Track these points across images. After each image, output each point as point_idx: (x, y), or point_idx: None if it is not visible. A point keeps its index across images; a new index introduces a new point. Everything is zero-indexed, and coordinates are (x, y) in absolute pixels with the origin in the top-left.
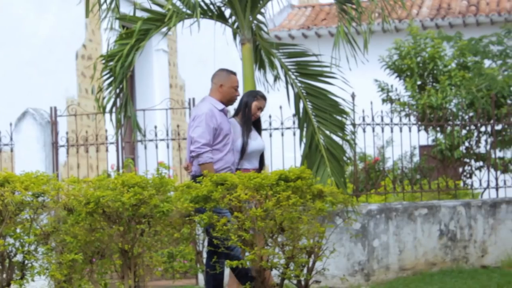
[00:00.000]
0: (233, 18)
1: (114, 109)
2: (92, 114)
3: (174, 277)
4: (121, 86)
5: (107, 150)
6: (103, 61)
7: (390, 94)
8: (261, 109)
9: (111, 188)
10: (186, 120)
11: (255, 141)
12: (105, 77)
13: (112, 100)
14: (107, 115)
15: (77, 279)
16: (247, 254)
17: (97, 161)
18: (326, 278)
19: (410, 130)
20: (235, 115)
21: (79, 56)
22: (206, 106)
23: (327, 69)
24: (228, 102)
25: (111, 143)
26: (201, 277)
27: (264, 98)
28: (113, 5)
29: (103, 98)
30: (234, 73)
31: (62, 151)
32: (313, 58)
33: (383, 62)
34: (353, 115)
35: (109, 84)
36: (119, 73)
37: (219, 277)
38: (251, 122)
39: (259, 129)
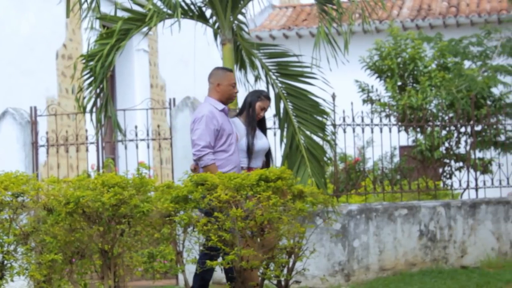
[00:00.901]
0: (214, 18)
1: (94, 109)
2: (72, 114)
3: (154, 277)
4: (101, 86)
5: (87, 150)
6: (84, 61)
7: (371, 94)
8: (264, 109)
9: (91, 188)
10: (167, 120)
11: (261, 141)
12: (85, 77)
13: (93, 100)
14: (88, 115)
15: (56, 279)
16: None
17: (77, 161)
18: (306, 278)
19: (390, 131)
20: (239, 114)
21: (60, 55)
22: (206, 107)
23: (308, 70)
24: (227, 100)
25: (91, 143)
26: (181, 277)
27: (268, 98)
28: (93, 5)
29: (83, 98)
30: (231, 70)
31: (42, 151)
32: (294, 59)
33: (364, 63)
34: (333, 116)
35: (90, 84)
36: (100, 73)
37: (207, 278)
38: (255, 122)
39: (263, 129)
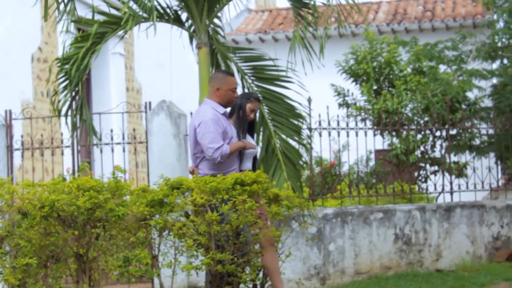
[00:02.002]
0: (190, 22)
1: (69, 112)
2: (47, 117)
3: (129, 281)
4: (76, 89)
5: (62, 154)
6: (59, 64)
7: (346, 98)
8: (254, 111)
9: (66, 192)
10: (143, 123)
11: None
12: (60, 80)
13: (68, 103)
14: (63, 118)
15: (31, 284)
16: (202, 258)
17: (53, 165)
18: (287, 281)
19: (366, 135)
20: (229, 117)
21: (35, 58)
22: (209, 110)
23: (284, 74)
24: (226, 104)
25: (67, 146)
26: (156, 281)
27: (258, 100)
28: (69, 8)
29: (59, 101)
30: (232, 75)
31: (17, 155)
32: (270, 62)
33: (340, 67)
34: (309, 119)
35: (65, 87)
36: (75, 76)
37: None
38: (246, 124)
39: (252, 132)
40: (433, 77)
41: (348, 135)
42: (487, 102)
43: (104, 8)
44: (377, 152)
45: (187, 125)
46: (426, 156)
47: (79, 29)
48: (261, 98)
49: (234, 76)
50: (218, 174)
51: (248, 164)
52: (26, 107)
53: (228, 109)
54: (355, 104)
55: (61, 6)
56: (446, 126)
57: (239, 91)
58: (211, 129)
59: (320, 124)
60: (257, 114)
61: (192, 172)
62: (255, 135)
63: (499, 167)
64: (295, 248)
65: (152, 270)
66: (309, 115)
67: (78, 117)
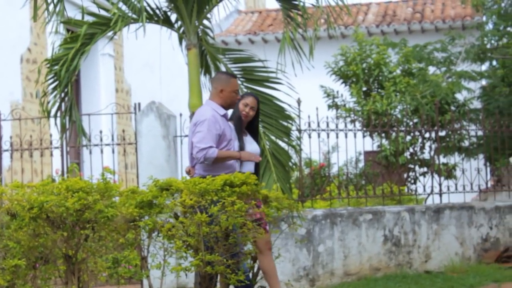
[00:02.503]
0: (179, 23)
1: (59, 114)
2: (36, 119)
3: (118, 282)
4: (66, 90)
5: (51, 155)
6: (48, 65)
7: (336, 100)
8: (249, 105)
9: (55, 193)
10: (132, 124)
11: (251, 145)
12: (50, 81)
13: (57, 104)
14: (52, 120)
15: (20, 285)
16: (191, 259)
17: (42, 166)
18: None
19: (355, 136)
20: (231, 119)
21: (24, 59)
22: (209, 111)
23: (273, 75)
24: (228, 106)
25: (56, 147)
26: (146, 283)
27: (250, 94)
28: (58, 9)
29: (48, 102)
30: (235, 76)
31: (6, 156)
32: (259, 64)
33: (329, 68)
34: (298, 121)
35: (54, 88)
36: (64, 77)
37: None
38: (241, 122)
39: (255, 134)
40: (422, 78)
41: (337, 137)
42: (476, 104)
43: (94, 9)
44: (367, 153)
45: (176, 127)
46: (415, 158)
47: (68, 30)
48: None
49: (237, 78)
50: (213, 176)
51: (249, 167)
52: (15, 108)
53: (230, 111)
54: (344, 105)
55: (51, 7)
56: (435, 128)
57: None
58: (203, 129)
59: (309, 125)
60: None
61: (188, 172)
62: (258, 138)
63: (488, 169)
64: (284, 250)
65: (141, 271)
66: (299, 116)
67: (67, 118)
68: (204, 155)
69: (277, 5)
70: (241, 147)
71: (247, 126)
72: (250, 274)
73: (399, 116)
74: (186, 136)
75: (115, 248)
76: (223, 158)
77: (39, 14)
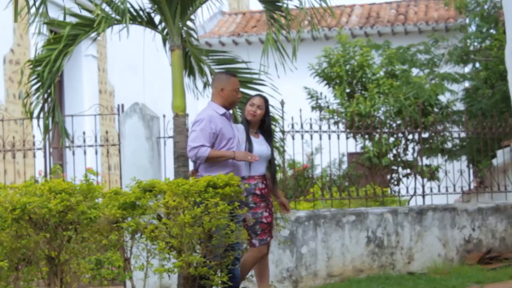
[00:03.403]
0: (163, 24)
1: (41, 115)
2: (19, 120)
3: (101, 284)
4: (49, 91)
5: (34, 156)
6: (31, 66)
7: (319, 101)
8: (255, 105)
9: (38, 195)
10: (115, 126)
11: (260, 147)
12: (32, 82)
13: (40, 105)
14: (35, 121)
15: (2, 286)
16: (174, 261)
17: (25, 167)
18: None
19: (338, 138)
20: (241, 122)
21: (7, 60)
22: (206, 111)
23: (257, 76)
24: (230, 105)
25: (39, 149)
26: (129, 284)
27: (257, 95)
28: (41, 10)
29: (31, 103)
30: (235, 76)
31: None
32: (243, 65)
33: (313, 70)
34: (282, 122)
35: (37, 89)
36: (47, 78)
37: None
38: (248, 123)
39: (268, 135)
40: (405, 80)
41: (321, 138)
42: (459, 106)
43: (77, 10)
44: (350, 155)
45: (159, 128)
46: (399, 159)
47: (51, 31)
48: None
49: (237, 77)
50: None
51: (260, 169)
52: None
53: (231, 111)
54: (328, 107)
55: (33, 9)
56: (419, 130)
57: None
58: (197, 128)
59: (293, 127)
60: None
61: (191, 175)
62: (272, 140)
63: (471, 170)
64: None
65: (124, 272)
66: (282, 118)
67: (50, 119)
68: (195, 154)
69: (261, 7)
70: (250, 149)
71: (261, 128)
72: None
73: (382, 117)
74: (170, 137)
75: (98, 250)
76: (216, 157)
77: (22, 15)
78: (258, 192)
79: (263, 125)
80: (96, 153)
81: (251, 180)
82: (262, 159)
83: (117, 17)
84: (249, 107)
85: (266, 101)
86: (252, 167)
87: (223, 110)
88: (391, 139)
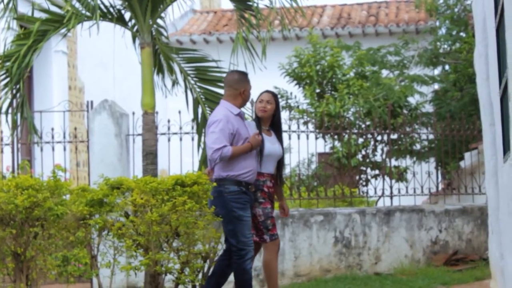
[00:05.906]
0: (133, 21)
1: (10, 110)
2: None
3: (68, 281)
4: (17, 87)
5: (2, 152)
6: (0, 62)
7: (289, 101)
8: (264, 100)
9: (5, 190)
10: (84, 122)
11: (273, 146)
12: (1, 78)
13: (8, 100)
14: (3, 116)
15: None
16: (141, 258)
17: None
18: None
19: (308, 138)
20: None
21: None
22: (221, 111)
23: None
24: (243, 104)
25: (7, 144)
26: (95, 282)
27: (265, 91)
28: (10, 5)
29: None
30: (246, 74)
31: None
32: (213, 64)
33: (283, 70)
34: None
35: (5, 85)
36: (16, 73)
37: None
38: (259, 121)
39: (279, 132)
40: (375, 81)
41: (290, 138)
42: (428, 108)
43: (47, 6)
44: (319, 155)
45: (129, 125)
46: (367, 160)
47: (21, 27)
48: (203, 100)
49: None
50: (231, 175)
51: (269, 167)
52: None
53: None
54: (297, 107)
55: (3, 3)
56: (388, 131)
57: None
58: (216, 129)
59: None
60: (199, 116)
61: (208, 174)
62: (282, 139)
63: (439, 172)
64: None
65: (91, 270)
66: (251, 117)
67: (18, 115)
68: (219, 155)
69: (232, 6)
70: (261, 148)
71: (272, 125)
72: (200, 274)
73: (352, 118)
74: (139, 135)
75: (64, 246)
76: (238, 153)
77: None
78: (265, 189)
79: (274, 122)
80: (65, 149)
81: (260, 177)
82: (272, 158)
83: (88, 13)
84: (259, 104)
85: (275, 95)
86: (263, 165)
87: (237, 110)
88: (360, 140)
